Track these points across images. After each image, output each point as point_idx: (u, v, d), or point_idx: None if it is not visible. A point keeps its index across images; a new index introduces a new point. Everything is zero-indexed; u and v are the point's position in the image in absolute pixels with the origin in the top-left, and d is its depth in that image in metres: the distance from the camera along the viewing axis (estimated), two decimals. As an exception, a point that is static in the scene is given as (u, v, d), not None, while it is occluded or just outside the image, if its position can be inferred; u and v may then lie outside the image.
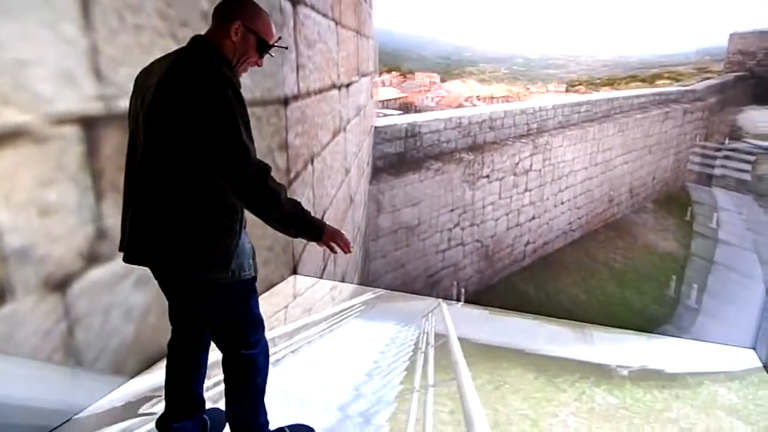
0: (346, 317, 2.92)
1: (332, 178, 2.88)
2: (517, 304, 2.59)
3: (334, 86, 2.77)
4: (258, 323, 1.82)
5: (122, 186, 1.74)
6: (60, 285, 1.91)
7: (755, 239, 1.97)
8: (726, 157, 1.87)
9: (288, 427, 2.01)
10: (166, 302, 1.97)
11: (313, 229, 1.59)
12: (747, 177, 1.91)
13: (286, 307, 2.98)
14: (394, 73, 2.32)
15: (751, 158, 1.87)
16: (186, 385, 1.95)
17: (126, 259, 1.68)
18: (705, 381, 2.40)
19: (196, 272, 1.63)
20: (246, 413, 1.91)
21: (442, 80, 2.24)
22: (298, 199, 1.78)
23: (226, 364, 1.85)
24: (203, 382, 1.99)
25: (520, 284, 2.50)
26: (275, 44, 1.68)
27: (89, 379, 2.06)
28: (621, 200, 2.17)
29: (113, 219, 1.96)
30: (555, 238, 2.31)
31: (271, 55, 1.76)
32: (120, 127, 1.93)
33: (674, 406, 2.28)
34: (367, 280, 2.93)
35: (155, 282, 1.98)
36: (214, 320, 1.80)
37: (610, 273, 2.25)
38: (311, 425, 2.04)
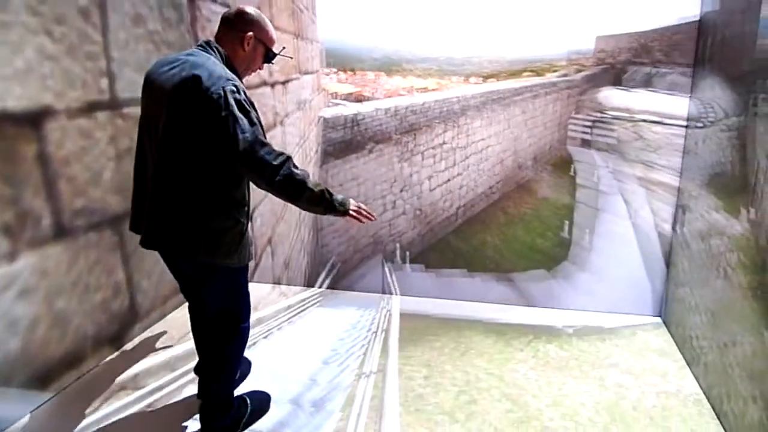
0: (307, 307, 2.97)
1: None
2: (452, 258, 2.81)
3: (264, 83, 2.75)
4: (248, 299, 2.01)
5: (133, 172, 1.84)
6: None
7: (620, 186, 2.45)
8: (595, 126, 2.35)
9: (246, 394, 2.16)
10: (49, 314, 2.08)
11: (339, 205, 1.70)
12: (610, 140, 2.38)
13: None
14: (349, 72, 2.55)
15: (612, 126, 2.36)
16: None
17: (143, 244, 1.80)
18: (638, 331, 2.69)
19: (208, 258, 1.74)
20: (228, 377, 2.05)
21: (388, 76, 2.52)
22: None
23: (218, 335, 1.96)
24: None
25: (453, 242, 2.77)
26: (280, 53, 1.85)
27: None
28: (527, 165, 2.56)
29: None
30: (479, 200, 2.65)
31: (272, 63, 1.87)
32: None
33: (615, 353, 2.55)
34: (320, 252, 2.93)
35: (42, 291, 2.02)
36: (215, 296, 1.91)
37: (522, 224, 2.63)
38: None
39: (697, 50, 2.28)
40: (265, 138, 1.59)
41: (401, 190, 2.72)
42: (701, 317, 2.37)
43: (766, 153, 1.85)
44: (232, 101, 1.52)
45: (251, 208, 1.89)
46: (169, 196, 1.69)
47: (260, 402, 2.17)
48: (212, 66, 1.60)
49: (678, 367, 2.41)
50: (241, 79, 1.73)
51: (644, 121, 2.27)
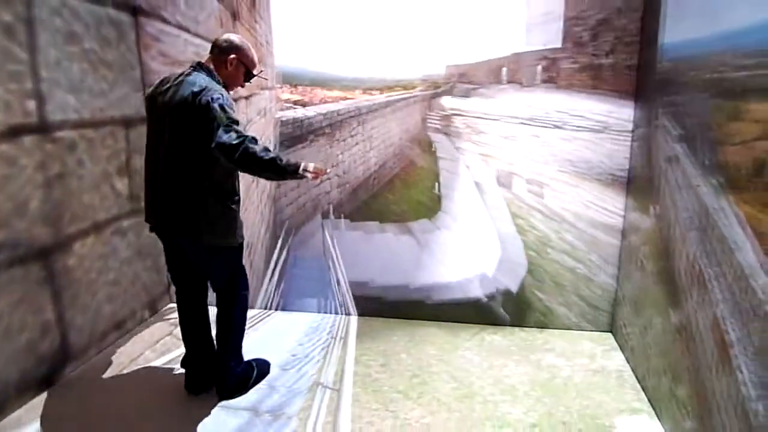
0: (269, 313, 3.30)
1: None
2: (369, 213, 3.35)
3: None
4: (245, 271, 2.16)
5: (144, 174, 2.00)
6: None
7: (462, 158, 3.20)
8: (442, 119, 3.20)
9: (251, 360, 2.29)
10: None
11: (288, 167, 1.73)
12: (452, 128, 3.18)
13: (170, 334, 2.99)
14: (297, 87, 3.28)
15: (452, 119, 3.15)
16: (197, 328, 2.16)
17: (154, 230, 2.00)
18: (573, 327, 2.96)
19: (209, 239, 1.92)
20: (237, 340, 2.18)
21: (320, 89, 3.27)
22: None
23: (225, 303, 2.08)
24: (210, 326, 2.20)
25: (372, 204, 3.37)
26: (257, 75, 2.11)
27: None
28: (411, 147, 3.30)
29: None
30: (387, 173, 3.33)
31: (250, 83, 2.11)
32: None
33: (551, 340, 2.78)
34: (278, 218, 3.39)
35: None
36: (218, 272, 2.06)
37: (412, 186, 3.28)
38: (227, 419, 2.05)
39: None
40: (237, 125, 1.70)
41: (331, 167, 3.29)
42: (627, 307, 2.54)
43: (664, 158, 2.08)
44: (216, 106, 1.70)
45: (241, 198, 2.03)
46: (175, 191, 1.87)
47: (263, 366, 2.36)
48: (202, 82, 1.79)
49: (604, 350, 2.65)
50: (230, 90, 2.00)
51: (469, 116, 3.29)
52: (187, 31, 3.07)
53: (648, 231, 2.26)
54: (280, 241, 3.44)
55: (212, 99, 1.70)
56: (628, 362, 2.49)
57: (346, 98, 3.25)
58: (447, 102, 3.23)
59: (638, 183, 2.51)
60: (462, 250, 3.32)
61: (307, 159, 3.20)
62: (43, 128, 2.15)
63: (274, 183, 3.21)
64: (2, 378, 1.96)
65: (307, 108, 3.26)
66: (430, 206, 3.35)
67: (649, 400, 2.18)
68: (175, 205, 1.85)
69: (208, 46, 2.78)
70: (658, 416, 2.09)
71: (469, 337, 2.80)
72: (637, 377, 2.35)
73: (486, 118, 3.18)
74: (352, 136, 3.33)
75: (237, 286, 2.09)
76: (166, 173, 1.83)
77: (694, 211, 1.78)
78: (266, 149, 1.69)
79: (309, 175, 1.74)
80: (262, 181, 3.22)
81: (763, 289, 1.35)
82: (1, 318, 1.94)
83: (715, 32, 1.69)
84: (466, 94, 3.33)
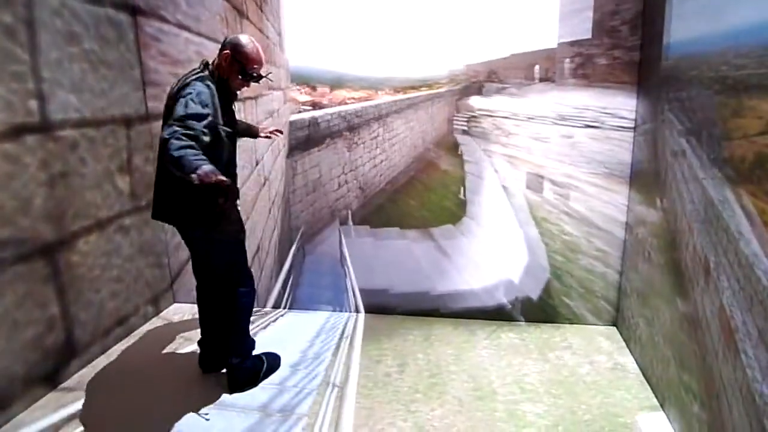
0: (281, 313, 3.27)
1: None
2: (387, 219, 3.29)
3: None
4: (248, 271, 2.21)
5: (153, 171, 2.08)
6: None
7: (490, 160, 3.11)
8: (470, 120, 3.14)
9: (261, 354, 2.34)
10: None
11: (187, 171, 1.59)
12: (480, 129, 3.07)
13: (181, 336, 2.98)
14: (308, 88, 3.18)
15: (480, 120, 3.06)
16: (212, 315, 2.23)
17: (156, 218, 2.05)
18: (589, 324, 2.97)
19: (203, 234, 1.99)
20: (243, 336, 2.20)
21: (336, 90, 3.16)
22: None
23: (225, 300, 2.11)
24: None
25: (387, 208, 3.30)
26: (258, 74, 2.05)
27: None
28: (432, 149, 3.20)
29: None
30: (402, 176, 3.26)
31: (258, 83, 2.11)
32: None
33: (567, 337, 2.77)
34: (292, 222, 3.33)
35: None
36: (222, 262, 2.09)
37: (433, 190, 3.21)
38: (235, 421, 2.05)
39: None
40: (195, 121, 1.68)
41: (350, 171, 3.24)
42: (633, 298, 2.56)
43: (670, 152, 2.13)
44: (182, 101, 1.74)
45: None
46: (166, 182, 1.94)
47: (273, 360, 2.40)
48: (191, 80, 1.84)
49: (619, 347, 2.66)
50: (233, 89, 2.04)
51: (498, 117, 3.16)
52: (188, 30, 3.00)
53: (655, 224, 2.29)
54: (294, 246, 3.38)
55: (184, 95, 1.73)
56: (632, 354, 2.50)
57: (367, 99, 3.16)
58: (476, 102, 3.12)
59: (643, 177, 2.52)
60: (487, 257, 3.25)
61: (323, 163, 3.23)
62: (45, 127, 2.18)
63: (287, 184, 3.22)
64: (9, 371, 1.99)
65: (324, 109, 3.17)
66: (455, 212, 3.25)
67: (653, 390, 2.21)
68: (166, 195, 1.92)
69: (210, 44, 2.82)
70: (666, 403, 2.13)
71: (485, 335, 2.79)
72: (641, 368, 2.37)
73: (516, 119, 3.15)
74: (371, 139, 3.24)
75: (237, 283, 2.10)
76: (162, 165, 1.91)
77: (700, 203, 1.83)
78: (186, 147, 1.60)
79: (194, 178, 1.57)
80: (275, 182, 3.23)
81: (766, 275, 1.41)
82: (7, 313, 1.97)
83: (719, 31, 1.74)
84: (496, 93, 3.18)
